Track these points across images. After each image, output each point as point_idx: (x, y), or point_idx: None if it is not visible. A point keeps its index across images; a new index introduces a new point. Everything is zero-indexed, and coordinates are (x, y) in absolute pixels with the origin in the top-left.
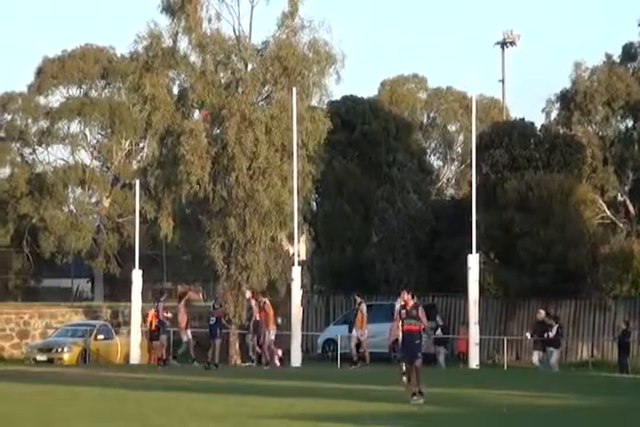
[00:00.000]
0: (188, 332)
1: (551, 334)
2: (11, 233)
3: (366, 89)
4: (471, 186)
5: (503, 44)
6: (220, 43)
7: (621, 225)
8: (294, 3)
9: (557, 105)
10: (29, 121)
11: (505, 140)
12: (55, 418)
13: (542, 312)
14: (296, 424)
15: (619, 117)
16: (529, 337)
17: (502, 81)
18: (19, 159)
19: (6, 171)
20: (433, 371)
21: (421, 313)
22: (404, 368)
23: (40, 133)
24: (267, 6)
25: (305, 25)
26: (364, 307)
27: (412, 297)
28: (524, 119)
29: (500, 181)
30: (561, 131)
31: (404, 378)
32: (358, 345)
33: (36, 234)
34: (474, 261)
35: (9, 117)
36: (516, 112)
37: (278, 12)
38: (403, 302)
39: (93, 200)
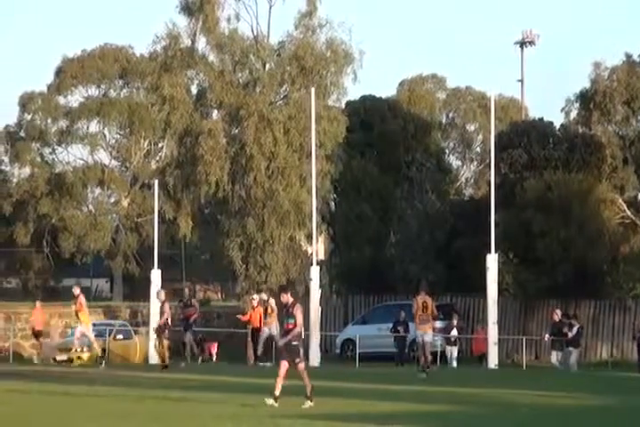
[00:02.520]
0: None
1: (570, 334)
2: (31, 233)
3: (385, 89)
4: (490, 186)
5: (522, 43)
6: (237, 43)
7: None
8: (313, 2)
9: (577, 105)
10: (49, 121)
11: (524, 139)
12: (74, 418)
13: (558, 312)
14: (316, 424)
15: (639, 117)
16: (547, 338)
17: (521, 81)
18: (38, 159)
19: (26, 171)
20: (448, 371)
21: (297, 312)
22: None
23: (59, 133)
24: (284, 6)
25: (322, 24)
26: (272, 302)
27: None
28: (542, 119)
29: (518, 180)
30: (580, 130)
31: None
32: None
33: (55, 234)
34: (492, 260)
35: (29, 117)
36: (534, 112)
37: (296, 11)
38: (285, 301)
39: (112, 200)
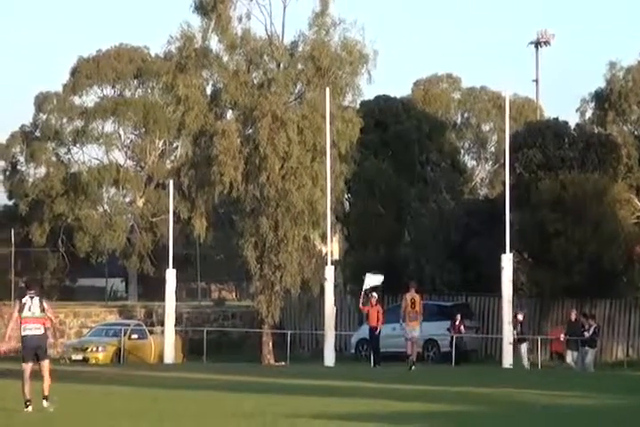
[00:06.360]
0: None
1: (587, 334)
2: (46, 233)
3: (399, 89)
4: (505, 185)
5: (537, 43)
6: (250, 43)
7: None
8: (325, 1)
9: (592, 104)
10: (64, 121)
11: (539, 139)
12: (89, 417)
13: (574, 312)
14: (331, 423)
15: None
16: (562, 338)
17: (536, 80)
18: (54, 159)
19: (42, 170)
20: (472, 369)
21: (49, 305)
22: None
23: (75, 133)
24: (297, 5)
25: (336, 23)
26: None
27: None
28: (558, 119)
29: (533, 180)
30: (595, 130)
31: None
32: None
33: (71, 233)
34: (507, 260)
35: (44, 117)
36: (550, 112)
37: (309, 10)
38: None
39: (127, 200)
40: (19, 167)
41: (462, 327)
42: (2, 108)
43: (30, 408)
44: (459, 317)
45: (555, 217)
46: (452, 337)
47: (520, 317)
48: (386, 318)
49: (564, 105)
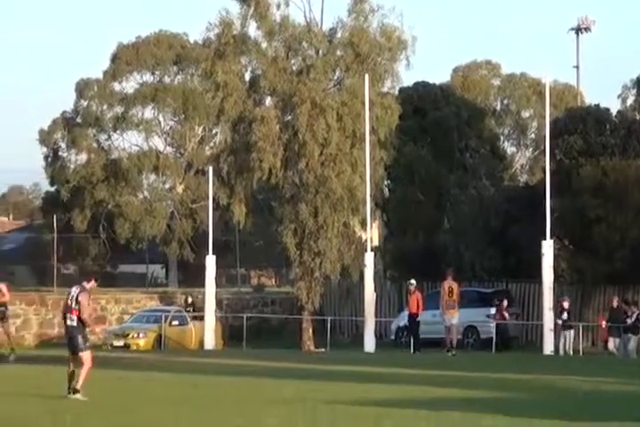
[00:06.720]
0: None
1: (629, 321)
2: (88, 219)
3: (438, 75)
4: (545, 172)
5: (578, 29)
6: (289, 29)
7: None
8: None
9: (633, 91)
10: (105, 107)
11: (579, 126)
12: (130, 403)
13: (616, 299)
14: (370, 409)
15: None
16: (604, 325)
17: (577, 67)
18: (95, 145)
19: (83, 157)
20: (512, 356)
21: (82, 297)
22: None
23: (115, 119)
24: None
25: (374, 9)
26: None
27: (96, 280)
28: (599, 105)
29: (574, 167)
30: (637, 117)
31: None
32: None
33: (111, 220)
34: (548, 247)
35: (85, 104)
36: (590, 98)
37: None
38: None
39: (167, 186)
40: (60, 153)
41: (506, 314)
42: (44, 94)
43: (73, 395)
44: (505, 303)
45: (596, 203)
46: (495, 324)
47: (566, 304)
48: (425, 304)
49: (605, 91)
